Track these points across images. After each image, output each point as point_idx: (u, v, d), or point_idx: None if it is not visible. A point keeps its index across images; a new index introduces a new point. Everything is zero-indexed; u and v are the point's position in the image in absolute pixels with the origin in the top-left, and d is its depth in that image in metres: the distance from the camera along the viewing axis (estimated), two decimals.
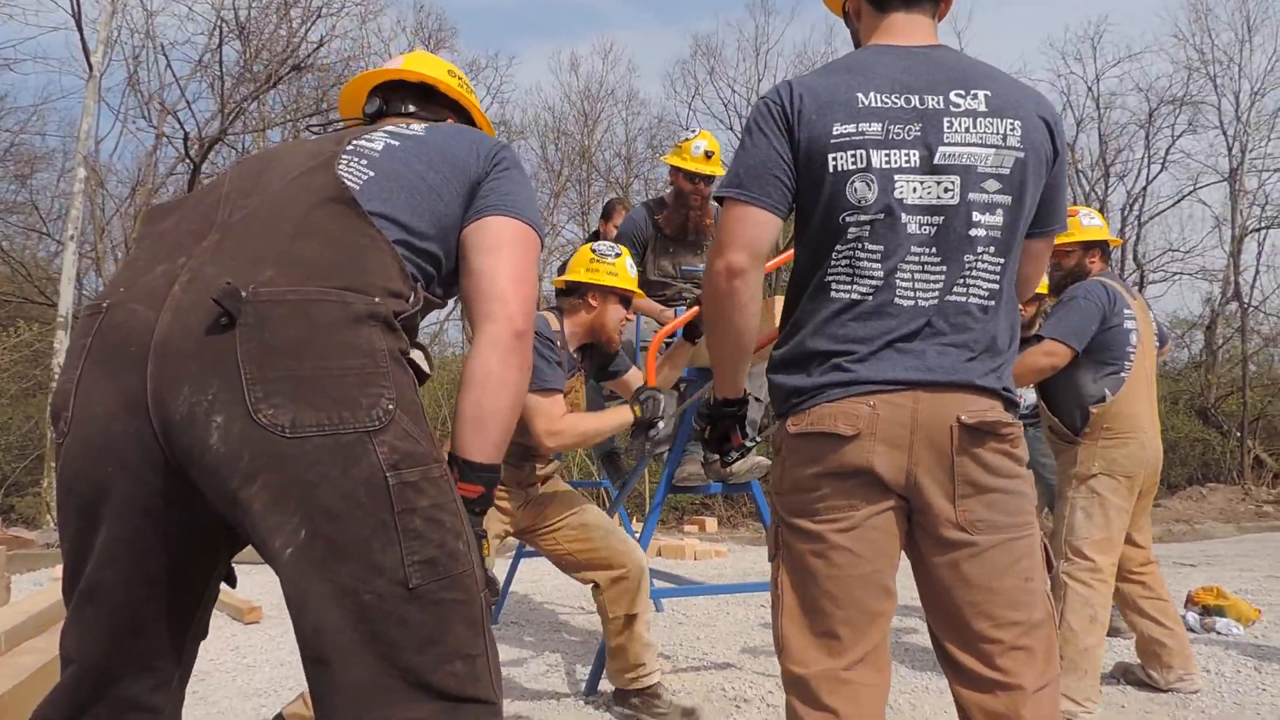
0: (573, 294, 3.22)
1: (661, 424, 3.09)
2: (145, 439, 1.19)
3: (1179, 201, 18.10)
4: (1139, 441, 3.29)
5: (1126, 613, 3.48)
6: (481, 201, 1.47)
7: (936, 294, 1.56)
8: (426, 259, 1.41)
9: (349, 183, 1.35)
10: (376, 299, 1.25)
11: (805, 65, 22.27)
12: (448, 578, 1.22)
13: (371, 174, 1.39)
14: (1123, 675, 3.55)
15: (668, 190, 4.45)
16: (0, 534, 7.81)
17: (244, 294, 1.18)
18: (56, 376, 9.68)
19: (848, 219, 1.56)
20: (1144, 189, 17.63)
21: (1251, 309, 16.57)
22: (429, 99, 1.76)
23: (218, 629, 4.61)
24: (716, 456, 1.95)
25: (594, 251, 3.21)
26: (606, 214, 5.09)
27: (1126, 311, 3.33)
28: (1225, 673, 3.69)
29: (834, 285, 1.58)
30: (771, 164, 1.58)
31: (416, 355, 1.34)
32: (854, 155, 1.55)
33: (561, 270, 3.46)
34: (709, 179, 4.21)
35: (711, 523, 10.28)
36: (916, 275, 1.55)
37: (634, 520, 6.36)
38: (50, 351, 10.40)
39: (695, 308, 3.15)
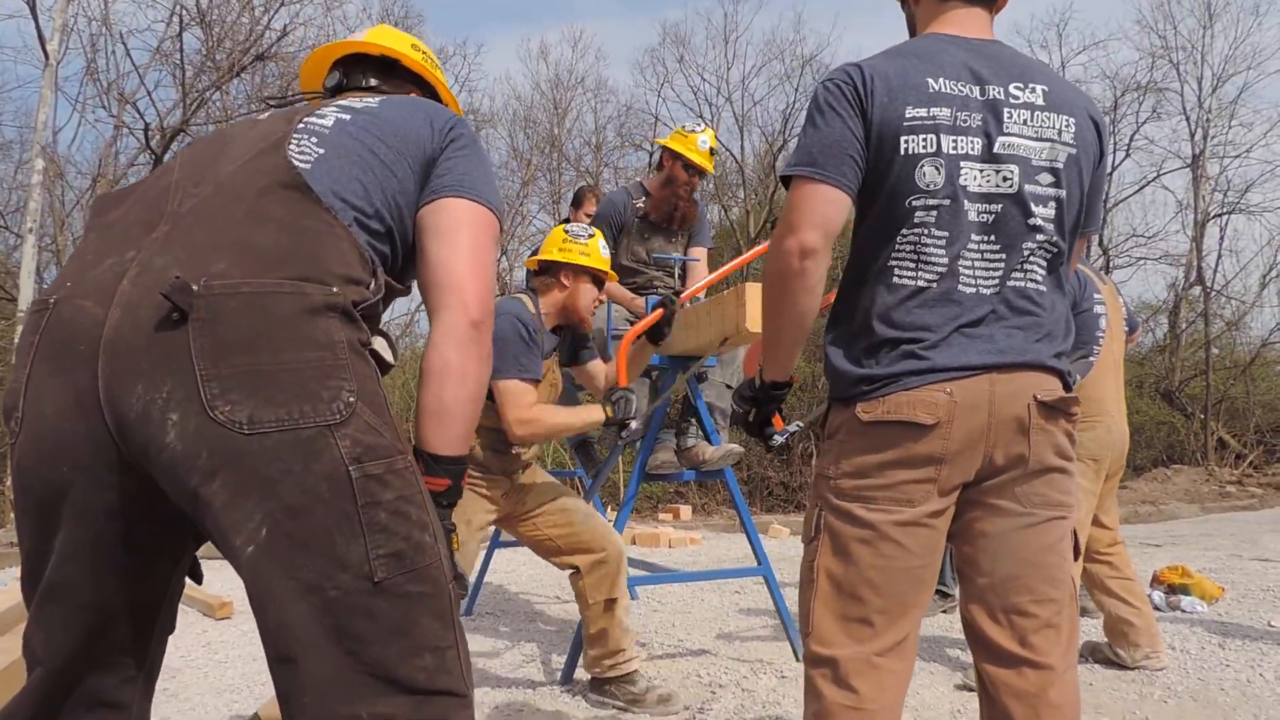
0: (545, 274, 3.23)
1: (634, 424, 3.11)
2: (99, 437, 1.16)
3: (1143, 188, 18.44)
4: (1105, 425, 3.35)
5: (1094, 593, 3.53)
6: (437, 181, 1.42)
7: (997, 281, 1.57)
8: (382, 239, 1.37)
9: (299, 163, 1.30)
10: (334, 289, 1.21)
11: (772, 54, 22.26)
12: (414, 570, 1.20)
13: (321, 151, 1.34)
14: (1090, 654, 3.60)
15: (651, 175, 4.42)
16: None
17: (196, 287, 1.14)
18: None
19: (914, 203, 1.56)
20: (1109, 175, 17.84)
21: (1214, 293, 16.85)
22: (391, 73, 1.71)
23: (189, 625, 4.56)
24: (760, 439, 1.91)
25: (566, 232, 3.21)
26: (577, 202, 5.07)
27: (1096, 296, 3.37)
28: (1190, 650, 3.76)
29: (898, 270, 1.58)
30: (846, 143, 1.56)
31: (379, 344, 1.31)
32: (925, 139, 1.55)
33: (534, 254, 3.46)
34: (703, 174, 4.19)
35: (686, 510, 10.32)
36: (977, 263, 1.57)
37: (609, 509, 6.37)
38: (10, 348, 10.20)
39: (659, 310, 3.15)
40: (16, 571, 6.10)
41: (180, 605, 1.71)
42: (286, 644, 1.15)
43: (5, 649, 3.15)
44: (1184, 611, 4.53)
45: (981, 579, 1.60)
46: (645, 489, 10.55)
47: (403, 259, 1.43)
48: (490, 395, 2.89)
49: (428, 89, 1.75)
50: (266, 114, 1.50)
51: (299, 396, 1.14)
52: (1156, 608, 4.56)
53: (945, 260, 1.56)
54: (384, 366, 1.31)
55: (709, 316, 3.36)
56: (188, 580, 1.41)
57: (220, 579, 5.63)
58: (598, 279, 3.22)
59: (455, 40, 34.77)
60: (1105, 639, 3.54)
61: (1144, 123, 17.82)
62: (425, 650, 1.20)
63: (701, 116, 19.01)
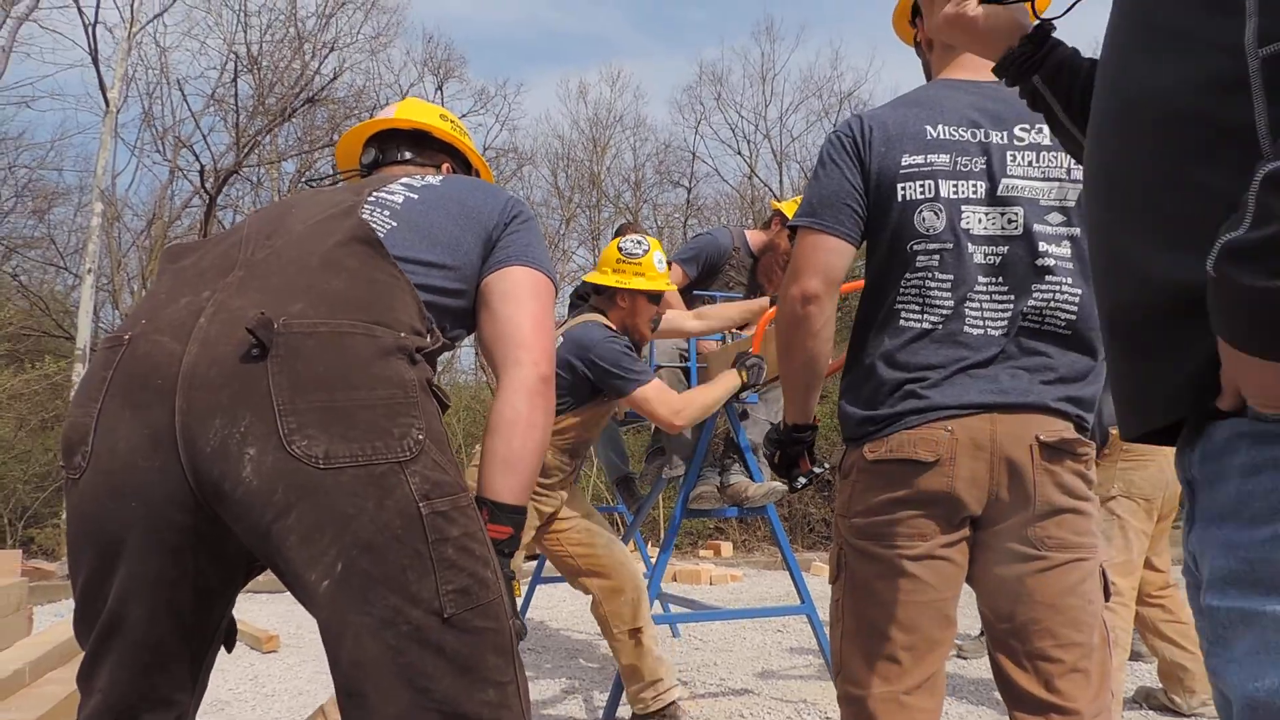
0: (602, 293, 3.28)
1: (754, 396, 3.30)
2: (172, 475, 1.18)
3: None
4: (1158, 464, 3.29)
5: (1147, 637, 3.46)
6: (502, 252, 1.51)
7: (1006, 323, 1.58)
8: (445, 307, 1.45)
9: (373, 224, 1.38)
10: (402, 334, 1.27)
11: (810, 91, 22.38)
12: (480, 606, 1.23)
13: (394, 224, 1.42)
14: (1145, 700, 3.52)
15: (754, 229, 4.39)
16: (22, 566, 7.85)
17: (276, 325, 1.18)
18: None
19: (915, 247, 1.60)
20: None
21: None
22: (423, 145, 1.80)
23: (236, 658, 4.62)
24: (786, 481, 1.96)
25: (621, 250, 3.22)
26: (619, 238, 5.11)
27: None
28: None
29: (904, 313, 1.62)
30: (844, 194, 1.63)
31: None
32: (922, 185, 1.60)
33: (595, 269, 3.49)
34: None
35: (727, 547, 10.24)
36: (985, 304, 1.59)
37: (650, 545, 6.35)
38: (68, 384, 10.49)
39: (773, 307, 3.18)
40: (72, 602, 6.23)
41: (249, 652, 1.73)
42: (359, 680, 1.17)
43: (65, 678, 3.23)
44: None
45: (1003, 625, 1.60)
46: (686, 525, 10.51)
47: (459, 323, 1.52)
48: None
49: (458, 156, 1.85)
50: (330, 187, 1.58)
51: (372, 433, 1.18)
52: None
53: (951, 303, 1.59)
54: (443, 405, 1.35)
55: (737, 350, 3.39)
56: (234, 613, 1.44)
57: (268, 613, 5.70)
58: (655, 296, 3.25)
59: (496, 81, 35.38)
60: (1160, 684, 3.46)
61: None
62: (489, 685, 1.22)
63: (739, 153, 19.15)
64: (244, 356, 1.17)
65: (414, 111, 1.82)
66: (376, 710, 1.16)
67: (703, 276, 4.25)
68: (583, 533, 3.19)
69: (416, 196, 1.50)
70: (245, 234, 1.39)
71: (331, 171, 1.92)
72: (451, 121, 1.84)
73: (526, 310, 1.47)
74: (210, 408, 1.16)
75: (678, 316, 3.64)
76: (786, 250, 4.17)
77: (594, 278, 3.29)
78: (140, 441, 1.18)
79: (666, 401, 2.99)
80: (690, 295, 4.27)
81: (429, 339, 1.34)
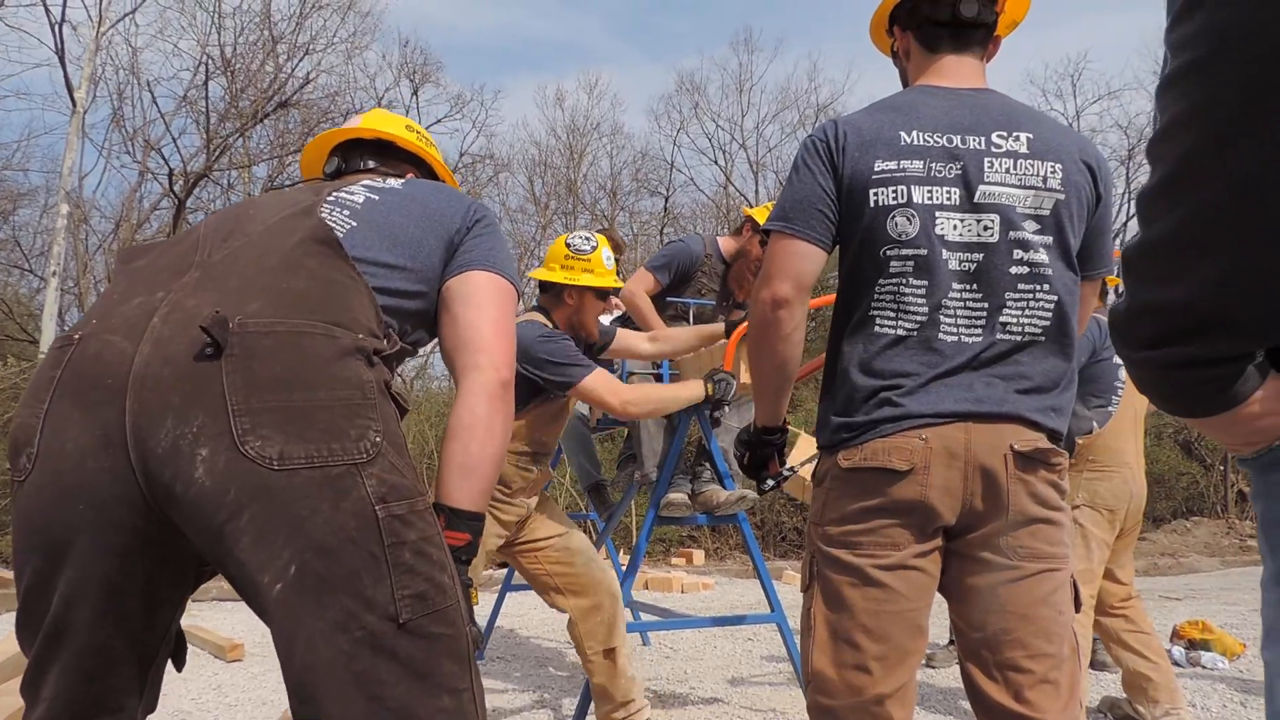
0: (549, 291, 3.20)
1: (728, 408, 3.17)
2: (121, 476, 1.15)
3: None
4: (1123, 476, 3.33)
5: (1111, 647, 3.48)
6: (465, 256, 1.50)
7: (981, 330, 1.58)
8: (405, 310, 1.44)
9: (332, 224, 1.37)
10: (360, 335, 1.26)
11: (787, 101, 22.54)
12: (436, 611, 1.21)
13: (354, 224, 1.41)
14: (1110, 710, 3.54)
15: (726, 236, 4.38)
16: None
17: (231, 324, 1.16)
18: None
19: (889, 253, 1.60)
20: (1124, 224, 17.87)
21: None
22: (388, 155, 1.78)
23: (199, 667, 4.54)
24: (754, 484, 1.96)
25: (569, 247, 3.15)
26: None
27: None
28: (1211, 707, 3.69)
29: (879, 319, 1.62)
30: (816, 198, 1.63)
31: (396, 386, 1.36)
32: (895, 191, 1.59)
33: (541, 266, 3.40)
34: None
35: (699, 555, 10.22)
36: (959, 312, 1.58)
37: (621, 553, 6.33)
38: None
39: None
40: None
41: (191, 647, 1.70)
42: (310, 685, 1.14)
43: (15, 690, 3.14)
44: (1205, 668, 4.45)
45: (974, 634, 1.59)
46: (658, 533, 10.49)
47: (420, 326, 1.50)
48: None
49: (424, 168, 1.83)
50: (291, 188, 1.54)
51: (329, 434, 1.16)
52: (1176, 663, 4.48)
53: (925, 309, 1.58)
54: (401, 410, 1.33)
55: (712, 361, 3.38)
56: (199, 622, 1.41)
57: (232, 621, 5.62)
58: (602, 293, 3.19)
59: (473, 86, 35.30)
60: (1124, 694, 3.48)
61: None
62: (445, 692, 1.20)
63: (716, 162, 19.23)
64: (198, 356, 1.15)
65: (379, 122, 1.80)
66: (329, 716, 1.14)
67: (675, 284, 4.23)
68: (560, 551, 3.13)
69: (378, 198, 1.49)
70: (202, 235, 1.37)
71: (301, 180, 1.92)
72: (418, 132, 1.83)
73: (487, 315, 1.46)
74: (162, 407, 1.14)
75: (632, 337, 3.57)
76: (758, 256, 4.17)
77: (540, 274, 3.22)
78: (90, 442, 1.16)
79: (615, 391, 2.93)
80: (664, 302, 4.26)
81: (386, 342, 1.33)
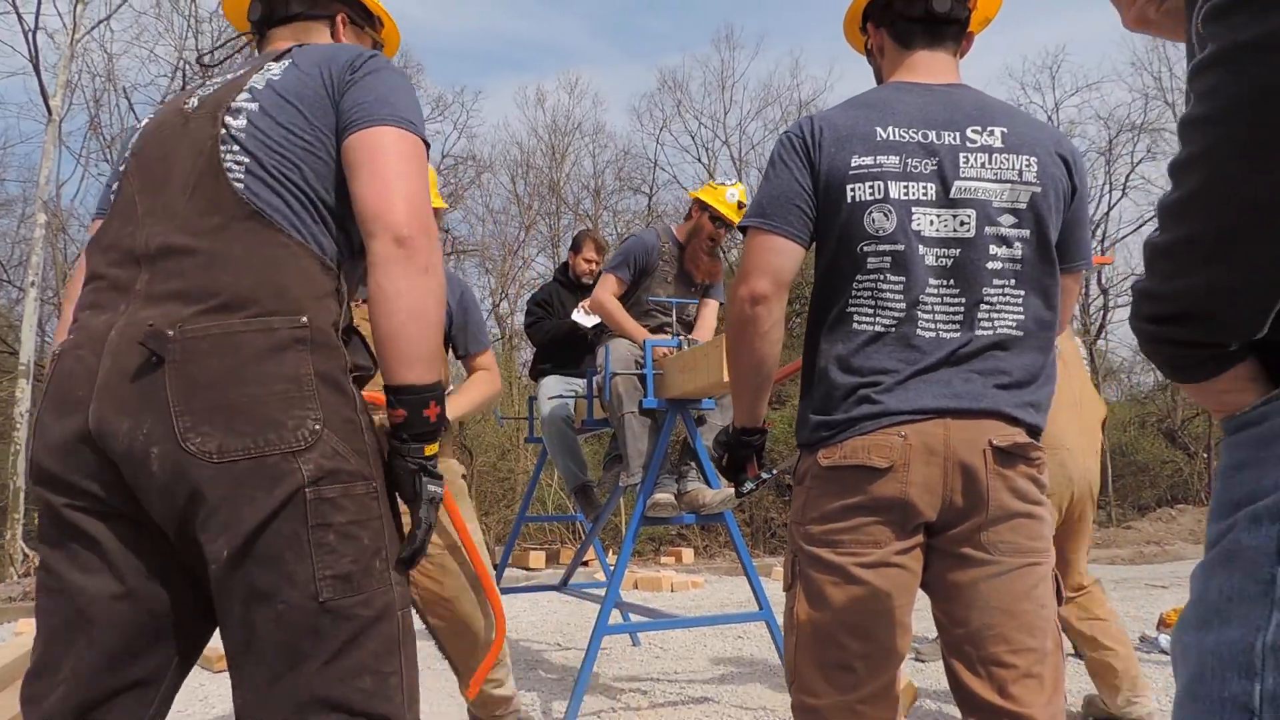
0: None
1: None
2: (97, 466, 1.27)
3: (1141, 227, 18.46)
4: (1058, 459, 3.13)
5: (1071, 636, 3.36)
6: (343, 120, 1.40)
7: (958, 326, 1.58)
8: (335, 220, 1.39)
9: (236, 183, 1.33)
10: (303, 318, 1.28)
11: (769, 99, 22.58)
12: (362, 594, 1.26)
13: (246, 160, 1.35)
14: (1086, 707, 3.46)
15: (680, 223, 4.44)
16: None
17: (171, 333, 1.24)
18: (18, 425, 9.49)
19: (866, 249, 1.59)
20: (1105, 215, 17.98)
21: None
22: None
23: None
24: (732, 484, 1.95)
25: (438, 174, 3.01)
26: (576, 246, 5.09)
27: None
28: None
29: (856, 316, 1.61)
30: (793, 194, 1.62)
31: (355, 350, 1.36)
32: (872, 186, 1.59)
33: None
34: (729, 226, 4.22)
35: (688, 554, 10.24)
36: (936, 307, 1.58)
37: (609, 553, 6.32)
38: (12, 400, 10.20)
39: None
40: (16, 626, 6.04)
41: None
42: (235, 648, 1.26)
43: (4, 705, 3.11)
44: None
45: (958, 630, 1.59)
46: (647, 532, 10.49)
47: (356, 235, 1.42)
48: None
49: (354, 3, 1.70)
50: (195, 100, 1.47)
51: (264, 426, 1.23)
52: (1163, 650, 4.49)
53: (903, 305, 1.58)
54: (364, 375, 1.36)
55: (706, 360, 3.37)
56: None
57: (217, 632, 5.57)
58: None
59: (454, 88, 35.18)
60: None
61: (1139, 162, 17.97)
62: (365, 672, 1.26)
63: (699, 159, 19.24)
64: (145, 365, 1.25)
65: None
66: (249, 677, 1.25)
67: (638, 277, 4.26)
68: (438, 569, 2.64)
69: (256, 108, 1.39)
70: (140, 215, 1.38)
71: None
72: None
73: (368, 175, 1.35)
74: (118, 413, 1.25)
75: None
76: (710, 233, 4.21)
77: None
78: (69, 444, 1.28)
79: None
80: (633, 301, 4.25)
81: (339, 289, 1.35)
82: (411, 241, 1.32)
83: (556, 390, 4.53)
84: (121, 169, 1.49)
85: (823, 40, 32.18)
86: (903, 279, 1.58)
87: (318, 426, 1.25)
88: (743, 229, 1.67)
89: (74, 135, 19.44)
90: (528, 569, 8.83)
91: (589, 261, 4.93)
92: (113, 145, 13.00)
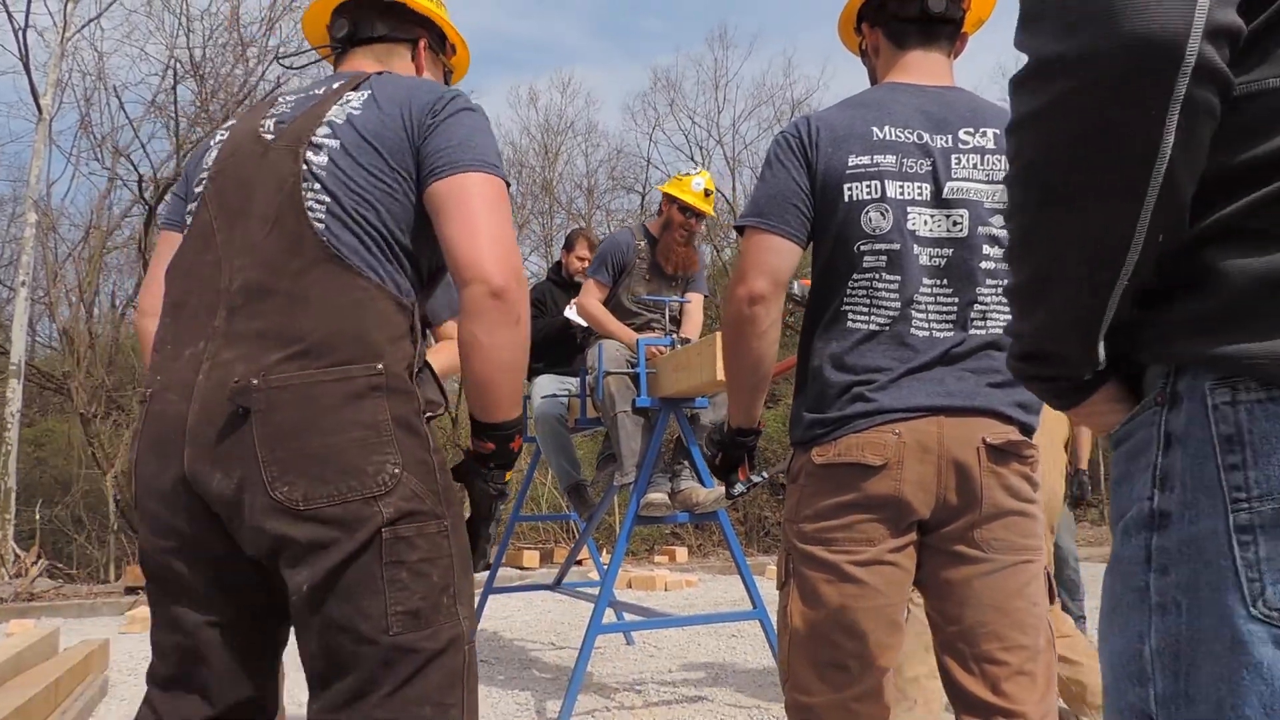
0: None
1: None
2: (198, 514, 1.34)
3: None
4: None
5: None
6: (426, 165, 1.43)
7: (951, 325, 1.58)
8: (408, 260, 1.44)
9: (317, 224, 1.37)
10: (380, 365, 1.33)
11: (762, 98, 22.58)
12: (430, 629, 1.32)
13: (328, 199, 1.38)
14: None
15: (654, 219, 4.48)
16: None
17: (255, 382, 1.29)
18: (9, 425, 9.45)
19: (862, 248, 1.59)
20: None
21: None
22: (397, 15, 1.69)
23: None
24: (724, 484, 1.94)
25: None
26: (569, 245, 5.09)
27: None
28: None
29: (851, 315, 1.61)
30: (790, 193, 1.62)
31: (428, 385, 1.43)
32: (869, 185, 1.59)
33: None
34: (700, 215, 4.24)
35: (682, 552, 10.23)
36: (930, 307, 1.58)
37: (603, 552, 6.32)
38: (3, 400, 10.15)
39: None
40: (7, 627, 6.02)
41: None
42: (311, 673, 1.34)
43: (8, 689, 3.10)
44: None
45: (951, 627, 1.60)
46: (640, 531, 10.48)
47: (426, 269, 1.49)
48: None
49: (434, 29, 1.74)
50: (271, 123, 1.50)
51: (346, 473, 1.29)
52: None
53: (898, 304, 1.59)
54: (436, 409, 1.42)
55: (699, 358, 3.37)
56: None
57: None
58: None
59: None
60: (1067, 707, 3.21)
61: None
62: (427, 703, 1.31)
63: (693, 158, 19.24)
64: (232, 416, 1.30)
65: None
66: (322, 699, 1.32)
67: (618, 277, 4.28)
68: None
69: (337, 145, 1.43)
70: (219, 246, 1.42)
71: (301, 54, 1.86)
72: None
73: (457, 222, 1.38)
74: (210, 461, 1.31)
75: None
76: (681, 224, 4.24)
77: None
78: (166, 487, 1.35)
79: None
80: (614, 303, 4.27)
81: (412, 327, 1.40)
82: (506, 293, 1.36)
83: (550, 389, 4.52)
84: (198, 189, 1.51)
85: (815, 39, 32.24)
86: (898, 278, 1.58)
87: (396, 470, 1.31)
88: (740, 229, 1.67)
89: (64, 134, 19.39)
90: (522, 568, 8.82)
91: (582, 260, 4.93)
92: (103, 144, 12.95)
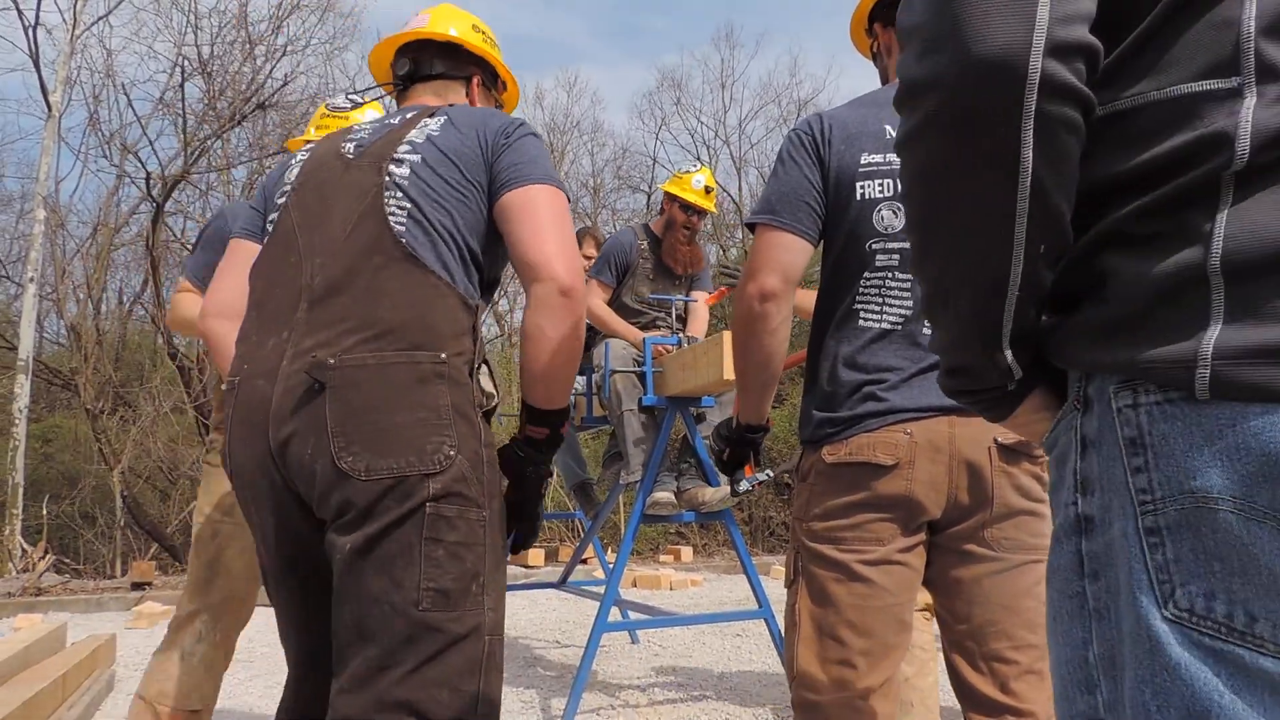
0: None
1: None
2: (283, 487, 1.48)
3: None
4: None
5: None
6: (498, 180, 1.60)
7: None
8: (475, 265, 1.58)
9: (397, 226, 1.52)
10: (443, 354, 1.46)
11: (769, 97, 22.56)
12: (456, 612, 1.40)
13: (408, 206, 1.54)
14: None
15: (656, 218, 4.48)
16: None
17: (332, 360, 1.42)
18: (17, 421, 9.48)
19: (874, 246, 1.59)
20: None
21: None
22: (455, 56, 1.88)
23: None
24: (729, 478, 1.95)
25: (328, 108, 2.73)
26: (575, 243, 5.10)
27: None
28: None
29: (863, 313, 1.61)
30: (803, 191, 1.62)
31: (484, 379, 1.55)
32: (881, 184, 1.59)
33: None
34: (702, 213, 4.24)
35: (687, 552, 10.23)
36: None
37: (608, 551, 6.32)
38: (11, 395, 10.18)
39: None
40: (14, 621, 6.04)
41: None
42: (343, 638, 1.42)
43: (3, 700, 3.11)
44: None
45: (960, 626, 1.60)
46: (645, 530, 10.49)
47: (494, 267, 1.66)
48: None
49: (488, 67, 1.93)
50: (352, 146, 1.66)
51: (406, 449, 1.40)
52: None
53: (910, 303, 1.59)
54: (490, 405, 1.55)
55: (706, 357, 3.37)
56: None
57: None
58: None
59: None
60: None
61: None
62: (445, 687, 1.38)
63: (699, 158, 19.22)
64: (309, 391, 1.43)
65: (449, 20, 1.88)
66: (348, 666, 1.41)
67: (621, 277, 4.28)
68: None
69: (418, 159, 1.59)
70: (301, 248, 1.56)
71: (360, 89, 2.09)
72: (483, 33, 1.91)
73: (527, 227, 1.54)
74: (290, 435, 1.44)
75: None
76: (683, 222, 4.25)
77: (306, 137, 2.73)
78: (254, 464, 1.49)
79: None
80: (617, 303, 4.27)
81: (473, 326, 1.52)
82: (574, 292, 1.51)
83: None
84: (280, 200, 1.67)
85: (821, 38, 32.19)
86: (910, 277, 1.58)
87: (452, 452, 1.43)
88: (751, 226, 1.67)
89: (73, 131, 19.43)
90: (526, 566, 8.83)
91: (588, 259, 4.94)
92: (111, 142, 12.99)
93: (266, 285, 1.59)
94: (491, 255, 1.63)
